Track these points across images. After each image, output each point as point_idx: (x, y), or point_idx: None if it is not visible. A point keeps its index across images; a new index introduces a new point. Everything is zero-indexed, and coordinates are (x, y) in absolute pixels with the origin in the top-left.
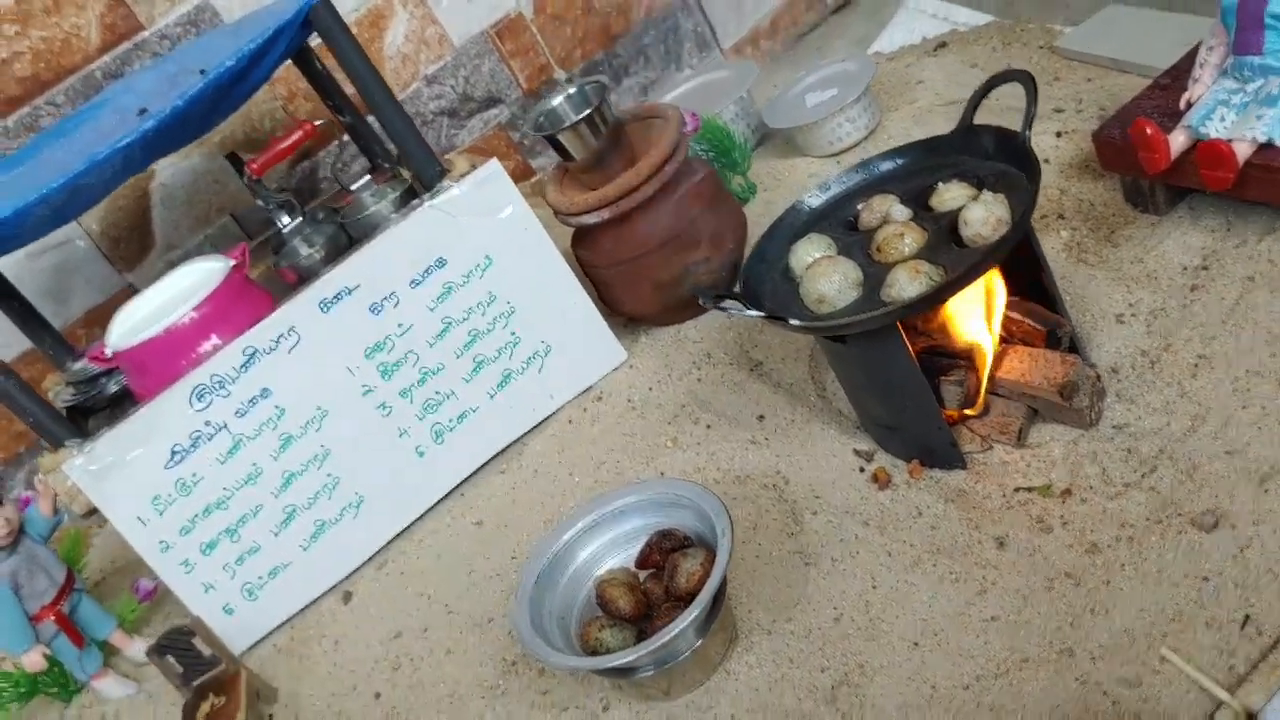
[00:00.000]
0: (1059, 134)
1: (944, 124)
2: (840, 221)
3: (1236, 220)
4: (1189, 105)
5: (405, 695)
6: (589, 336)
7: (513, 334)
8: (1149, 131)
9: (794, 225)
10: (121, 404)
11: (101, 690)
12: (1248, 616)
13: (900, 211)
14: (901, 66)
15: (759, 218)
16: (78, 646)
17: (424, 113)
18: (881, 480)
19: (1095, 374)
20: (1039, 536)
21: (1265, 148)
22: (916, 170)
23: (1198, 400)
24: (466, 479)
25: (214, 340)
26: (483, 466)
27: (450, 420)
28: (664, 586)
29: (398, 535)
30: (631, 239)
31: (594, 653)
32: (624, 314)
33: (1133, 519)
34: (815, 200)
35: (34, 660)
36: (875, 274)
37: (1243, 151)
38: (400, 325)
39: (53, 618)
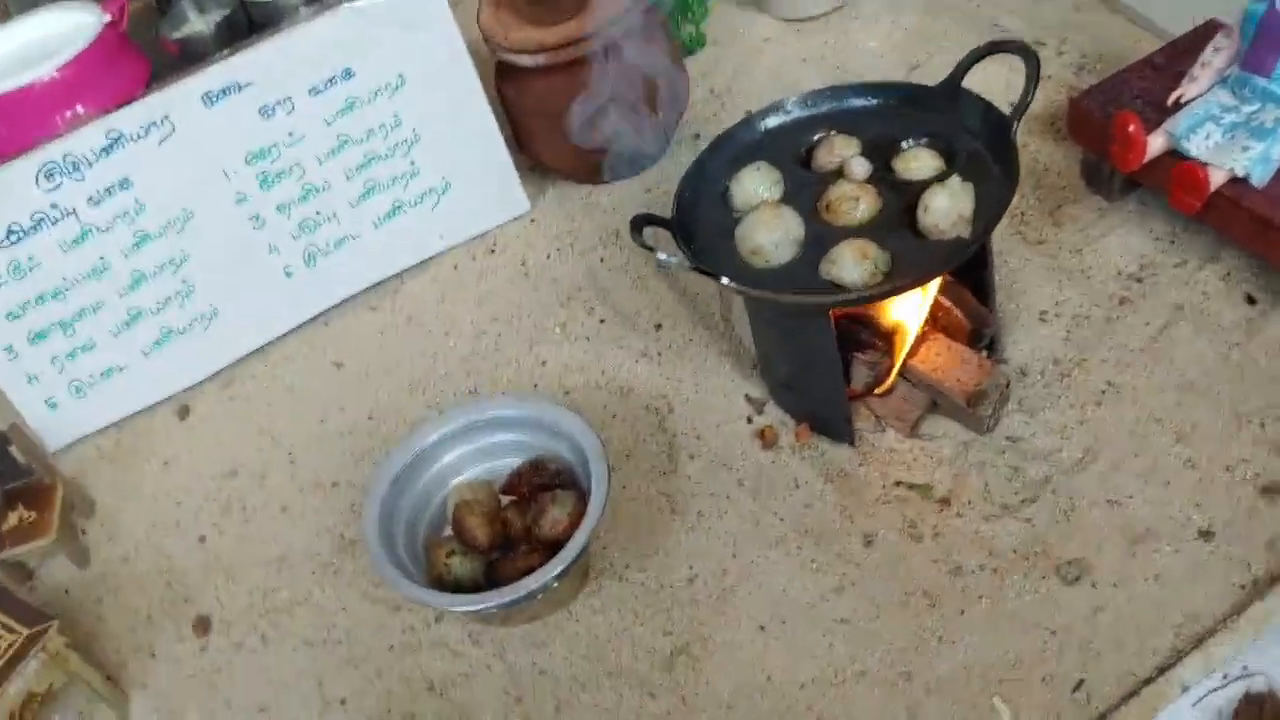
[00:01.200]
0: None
1: (919, 18)
2: (792, 152)
3: (1183, 235)
4: (1178, 105)
5: (231, 547)
6: (493, 179)
7: (412, 163)
8: (1131, 129)
9: (743, 143)
10: None
11: None
12: (1081, 681)
13: (860, 166)
14: None
15: (703, 73)
16: None
17: None
18: (767, 439)
19: (1006, 382)
20: (907, 543)
21: (1239, 180)
22: (887, 115)
23: (1095, 433)
24: (333, 307)
25: (77, 109)
26: (353, 298)
27: (327, 244)
28: (525, 525)
29: (250, 354)
30: (566, 90)
31: (439, 576)
32: (538, 161)
33: (1001, 549)
34: (771, 121)
35: None
36: (818, 234)
37: (1217, 178)
38: (291, 135)
39: None
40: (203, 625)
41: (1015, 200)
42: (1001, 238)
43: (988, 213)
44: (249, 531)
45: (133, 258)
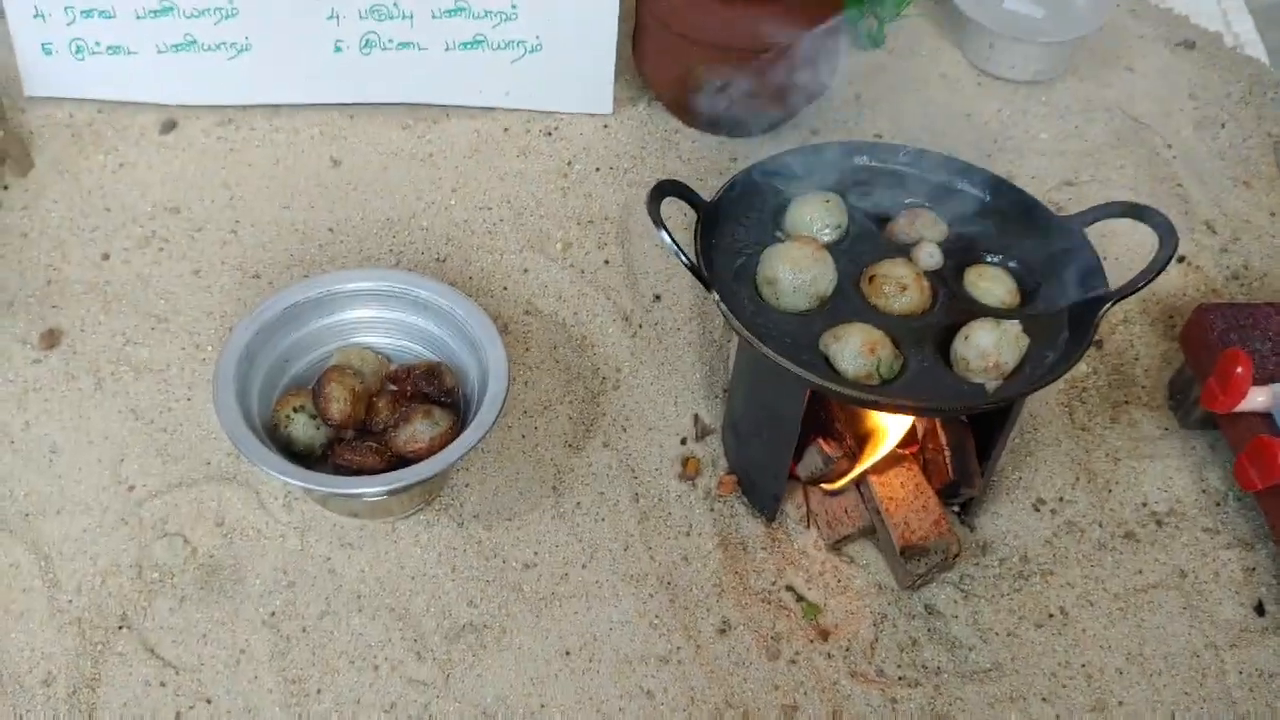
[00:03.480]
0: (1181, 258)
1: (1105, 134)
2: (875, 202)
3: (1233, 504)
4: None
5: (126, 281)
6: (588, 64)
7: (513, 6)
8: (1238, 370)
9: (833, 166)
10: None
11: None
12: None
13: (930, 256)
14: (1130, 25)
15: (861, 74)
16: None
17: None
18: (688, 470)
19: (955, 551)
20: (760, 654)
21: None
22: (993, 216)
23: (1017, 654)
24: (365, 105)
25: None
26: (389, 106)
27: (390, 40)
28: (387, 421)
29: (261, 105)
30: (701, 17)
31: (276, 425)
32: (641, 71)
33: (852, 713)
34: (875, 160)
35: None
36: (844, 300)
37: None
38: None
39: None
40: (51, 339)
41: (1088, 372)
42: (1047, 403)
43: (1023, 381)
44: (150, 275)
45: None
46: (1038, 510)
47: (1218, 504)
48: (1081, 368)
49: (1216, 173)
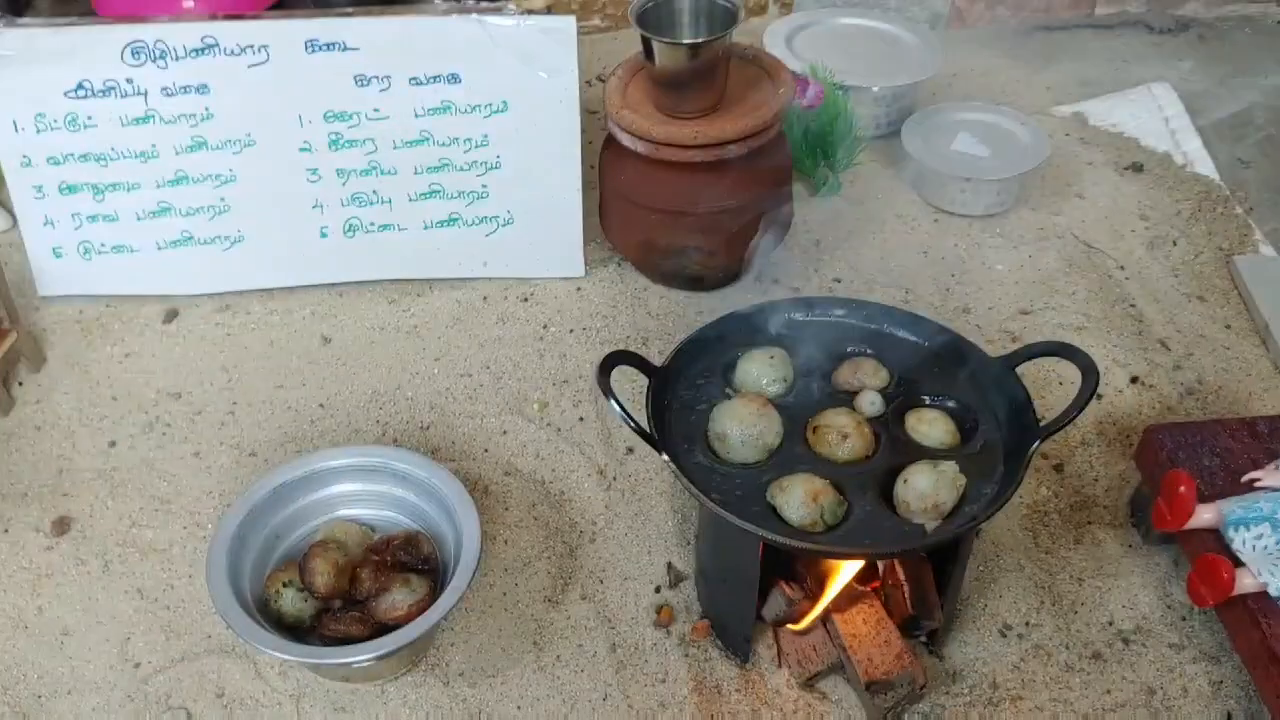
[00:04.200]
0: (1135, 379)
1: (1059, 263)
2: (820, 353)
3: (1197, 619)
4: (1250, 486)
5: (131, 465)
6: (557, 233)
7: (484, 186)
8: (1181, 490)
9: (780, 320)
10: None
11: None
12: None
13: (871, 404)
14: (1079, 152)
15: (818, 221)
16: None
17: None
18: (662, 618)
19: (922, 683)
20: None
21: (1268, 597)
22: (931, 360)
23: None
24: (352, 283)
25: (188, 3)
26: (374, 283)
27: (372, 223)
28: (369, 591)
29: (255, 290)
30: (657, 187)
31: (267, 602)
32: (609, 237)
33: None
34: (818, 313)
35: None
36: (791, 451)
37: (1245, 585)
38: (377, 111)
39: None
40: (62, 526)
41: (1049, 494)
42: (1009, 529)
43: (962, 519)
44: (154, 459)
45: (183, 157)
46: (1004, 636)
47: (1183, 618)
48: (1042, 491)
49: (1170, 290)
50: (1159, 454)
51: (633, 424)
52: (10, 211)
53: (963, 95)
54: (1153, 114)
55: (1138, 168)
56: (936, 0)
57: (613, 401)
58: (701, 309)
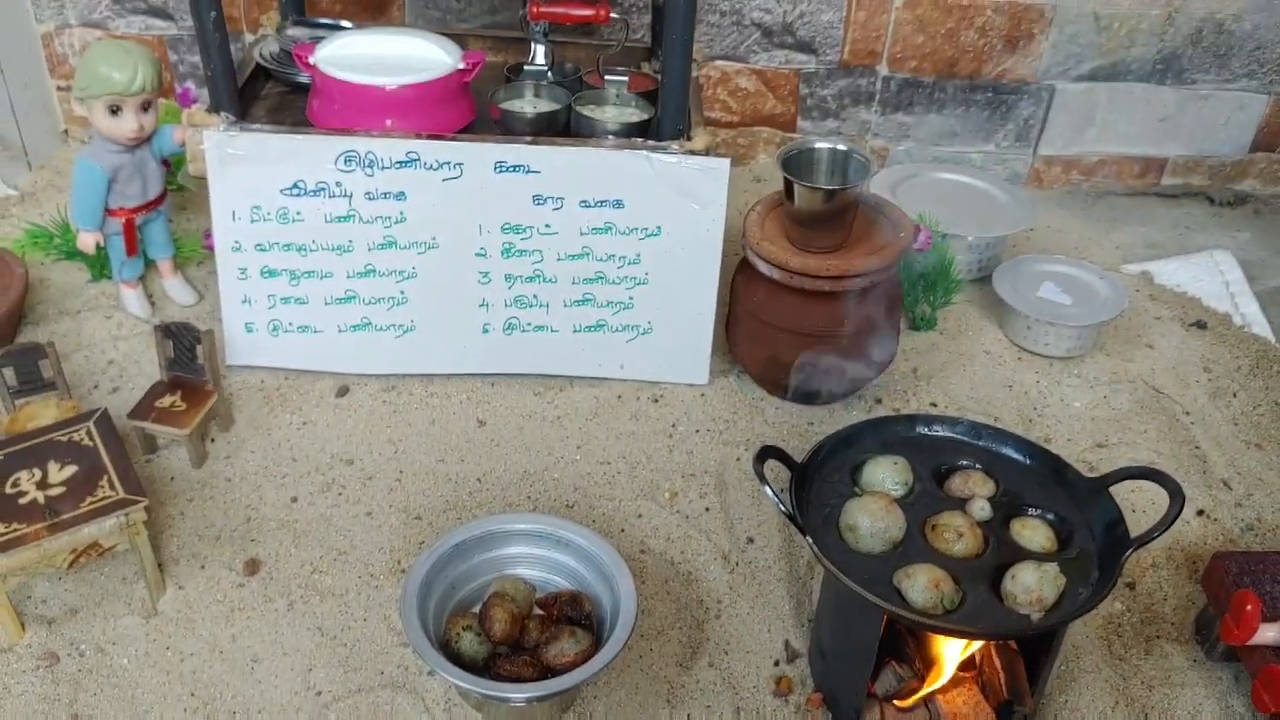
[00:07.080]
0: (1200, 512)
1: (1131, 404)
2: (935, 464)
3: None
4: None
5: (312, 519)
6: (689, 345)
7: (631, 298)
8: (1248, 608)
9: (899, 434)
10: (292, 101)
11: (123, 297)
12: None
13: (981, 510)
14: (1148, 307)
15: (916, 351)
16: (129, 253)
17: (744, 11)
18: (781, 688)
19: None
20: None
21: None
22: (1032, 477)
23: None
24: (504, 375)
25: (393, 121)
26: (524, 376)
27: (528, 324)
28: (538, 640)
29: (420, 375)
30: (784, 309)
31: (448, 642)
32: (730, 351)
33: None
34: (935, 430)
35: (86, 241)
36: (912, 545)
37: None
38: (548, 226)
39: (123, 219)
40: (253, 567)
41: (1119, 610)
42: (1088, 636)
43: (1062, 612)
44: (331, 515)
45: (374, 254)
46: None
47: None
48: (1116, 605)
49: (1230, 437)
50: (1225, 578)
51: (784, 508)
52: (195, 288)
53: (1039, 249)
54: (1214, 277)
55: (1201, 325)
56: (1017, 162)
57: (767, 487)
58: (812, 420)
